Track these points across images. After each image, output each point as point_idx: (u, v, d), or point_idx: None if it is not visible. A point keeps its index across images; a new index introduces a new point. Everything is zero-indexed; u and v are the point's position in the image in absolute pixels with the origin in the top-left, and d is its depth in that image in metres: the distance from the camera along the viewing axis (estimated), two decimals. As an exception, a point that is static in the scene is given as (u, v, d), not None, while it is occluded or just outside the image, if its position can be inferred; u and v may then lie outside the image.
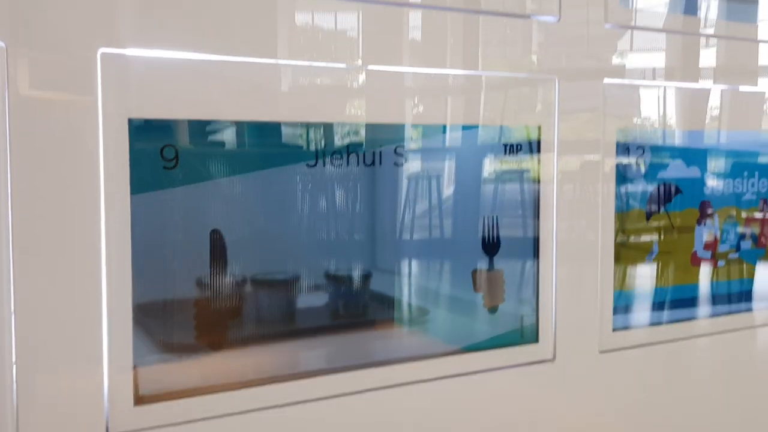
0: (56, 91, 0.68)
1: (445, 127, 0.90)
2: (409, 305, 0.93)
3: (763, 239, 1.22)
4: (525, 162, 0.95)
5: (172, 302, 0.78)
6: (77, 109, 0.68)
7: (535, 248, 0.97)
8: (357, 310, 0.91)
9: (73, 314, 0.70)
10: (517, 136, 0.94)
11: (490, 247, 0.95)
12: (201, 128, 0.76)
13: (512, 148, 0.94)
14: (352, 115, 0.83)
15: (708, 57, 1.13)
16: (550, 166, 0.97)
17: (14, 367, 0.68)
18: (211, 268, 0.78)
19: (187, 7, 0.73)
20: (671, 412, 1.13)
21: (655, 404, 1.11)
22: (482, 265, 0.95)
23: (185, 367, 0.78)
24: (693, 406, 1.15)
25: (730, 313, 1.18)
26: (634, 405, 1.09)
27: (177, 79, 0.73)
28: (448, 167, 0.93)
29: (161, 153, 0.74)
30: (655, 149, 1.08)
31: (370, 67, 0.84)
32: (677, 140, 1.11)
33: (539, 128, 0.95)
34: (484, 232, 0.94)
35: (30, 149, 0.67)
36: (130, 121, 0.70)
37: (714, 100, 1.14)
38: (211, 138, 0.77)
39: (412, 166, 0.89)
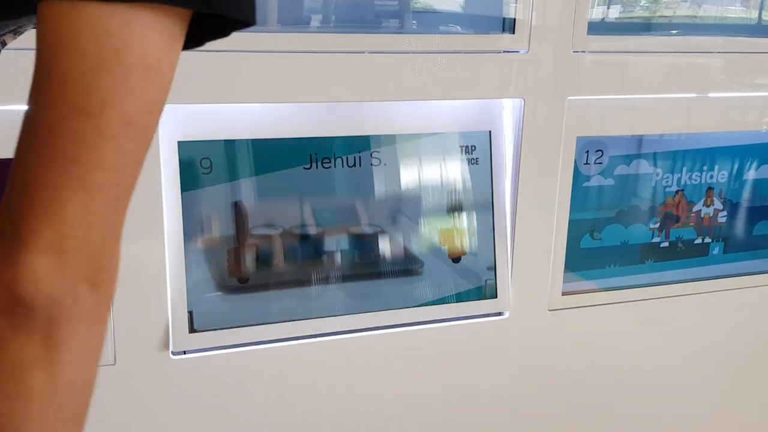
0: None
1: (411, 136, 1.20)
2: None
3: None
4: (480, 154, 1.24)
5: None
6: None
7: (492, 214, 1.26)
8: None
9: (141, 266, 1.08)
10: (474, 139, 1.23)
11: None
12: (229, 144, 1.09)
13: (468, 149, 1.23)
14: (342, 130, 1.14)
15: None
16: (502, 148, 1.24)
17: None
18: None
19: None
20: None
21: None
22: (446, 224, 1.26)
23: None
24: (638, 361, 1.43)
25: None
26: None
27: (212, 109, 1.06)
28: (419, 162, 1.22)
29: (200, 163, 1.08)
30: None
31: (364, 102, 1.13)
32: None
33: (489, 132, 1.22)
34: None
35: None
36: (179, 143, 1.04)
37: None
38: (235, 151, 1.10)
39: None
